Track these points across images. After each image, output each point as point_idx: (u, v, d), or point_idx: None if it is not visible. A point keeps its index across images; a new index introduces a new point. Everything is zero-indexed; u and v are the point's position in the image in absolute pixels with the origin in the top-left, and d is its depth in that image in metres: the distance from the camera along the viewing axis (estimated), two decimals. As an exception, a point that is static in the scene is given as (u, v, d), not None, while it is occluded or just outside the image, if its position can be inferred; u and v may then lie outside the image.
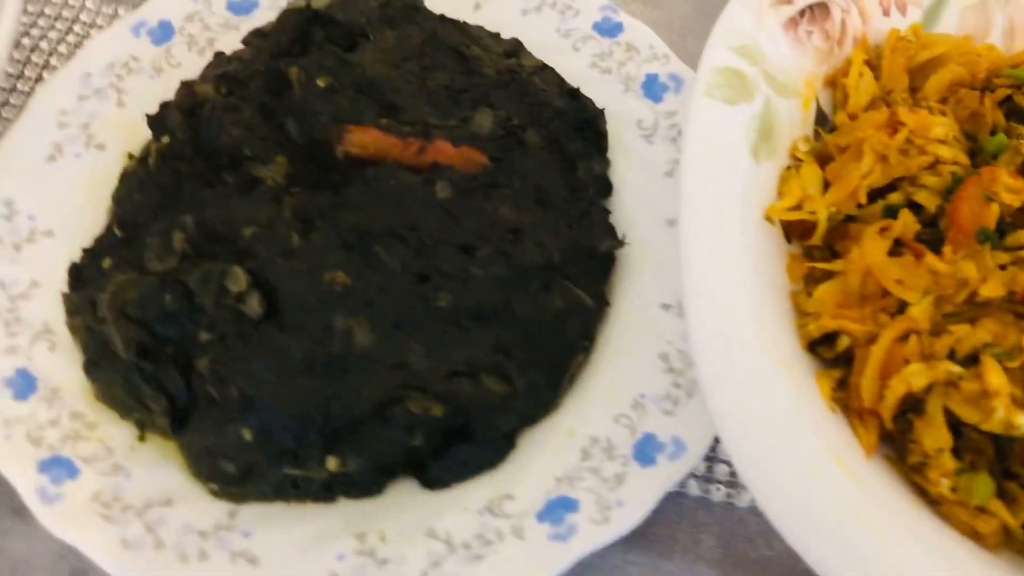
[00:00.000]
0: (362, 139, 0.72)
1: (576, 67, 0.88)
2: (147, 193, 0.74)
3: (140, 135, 0.85)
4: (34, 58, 0.94)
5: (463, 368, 0.68)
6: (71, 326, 0.73)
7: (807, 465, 0.55)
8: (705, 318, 0.59)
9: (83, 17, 0.97)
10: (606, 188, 0.82)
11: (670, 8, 0.99)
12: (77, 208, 0.80)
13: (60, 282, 0.77)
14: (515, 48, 0.86)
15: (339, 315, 0.67)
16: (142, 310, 0.68)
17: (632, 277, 0.78)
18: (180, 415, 0.68)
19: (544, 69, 0.86)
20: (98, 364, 0.70)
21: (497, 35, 0.88)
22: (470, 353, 0.69)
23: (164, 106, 0.81)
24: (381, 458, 0.66)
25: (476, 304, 0.70)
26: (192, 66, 0.89)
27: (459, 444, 0.68)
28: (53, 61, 0.94)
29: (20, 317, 0.75)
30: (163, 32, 0.89)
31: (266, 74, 0.79)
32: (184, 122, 0.76)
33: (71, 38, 0.95)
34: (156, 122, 0.79)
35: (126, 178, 0.76)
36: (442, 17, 0.84)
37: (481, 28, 0.87)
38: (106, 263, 0.74)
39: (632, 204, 0.82)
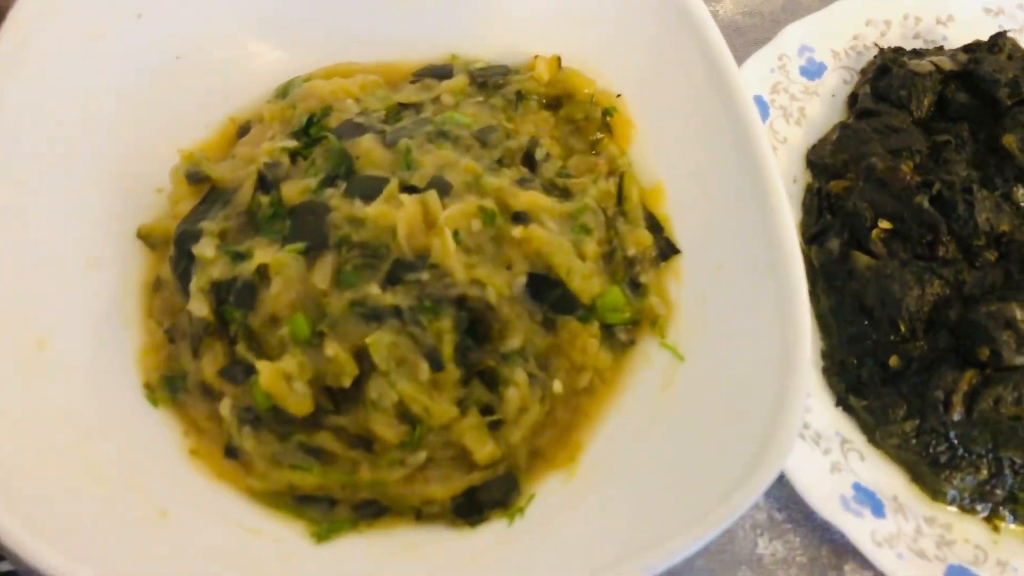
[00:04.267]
0: None
1: None
2: (923, 284, 0.73)
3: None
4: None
5: None
6: (886, 434, 0.72)
7: None
8: None
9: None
10: None
11: None
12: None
13: (820, 388, 0.75)
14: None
15: None
16: (1025, 407, 0.68)
17: None
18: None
19: None
20: (954, 466, 0.70)
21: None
22: None
23: (836, 192, 0.80)
24: None
25: None
26: (797, 140, 0.87)
27: None
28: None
29: (818, 432, 0.73)
30: (761, 108, 0.86)
31: (962, 145, 0.79)
32: (928, 206, 0.75)
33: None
34: (862, 209, 0.77)
35: (873, 274, 0.75)
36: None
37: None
38: (893, 362, 0.73)
39: None
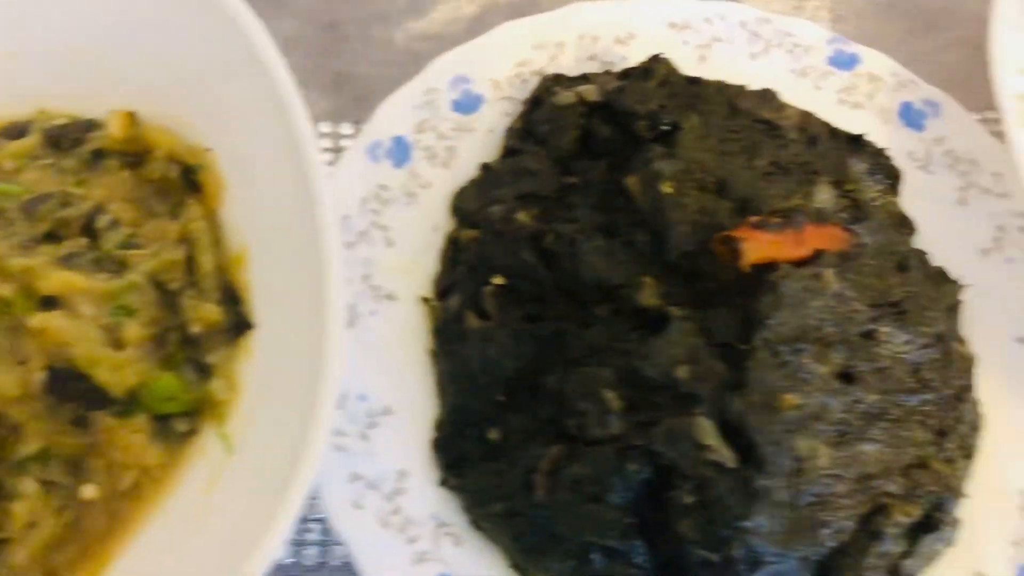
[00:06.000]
0: (757, 247, 0.67)
1: (824, 106, 0.86)
2: (520, 347, 0.67)
3: (422, 273, 0.76)
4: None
5: (913, 461, 0.67)
6: (482, 516, 0.65)
7: None
8: None
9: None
10: (911, 228, 0.81)
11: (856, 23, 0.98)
12: (398, 374, 0.72)
13: (424, 465, 0.69)
14: (772, 99, 0.82)
15: (800, 440, 0.64)
16: (604, 486, 0.61)
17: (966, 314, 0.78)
18: (653, 584, 0.63)
19: (808, 116, 0.82)
20: (543, 551, 0.63)
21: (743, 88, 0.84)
22: (916, 444, 0.67)
23: (465, 243, 0.73)
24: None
25: (899, 390, 0.68)
26: (443, 183, 0.80)
27: (924, 537, 0.66)
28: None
29: (409, 517, 0.66)
30: (400, 150, 0.79)
31: (589, 188, 0.72)
32: (534, 259, 0.68)
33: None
34: (480, 263, 0.71)
35: (479, 336, 0.68)
36: (719, 84, 0.79)
37: (738, 86, 0.82)
38: (493, 435, 0.67)
39: (935, 239, 0.81)
